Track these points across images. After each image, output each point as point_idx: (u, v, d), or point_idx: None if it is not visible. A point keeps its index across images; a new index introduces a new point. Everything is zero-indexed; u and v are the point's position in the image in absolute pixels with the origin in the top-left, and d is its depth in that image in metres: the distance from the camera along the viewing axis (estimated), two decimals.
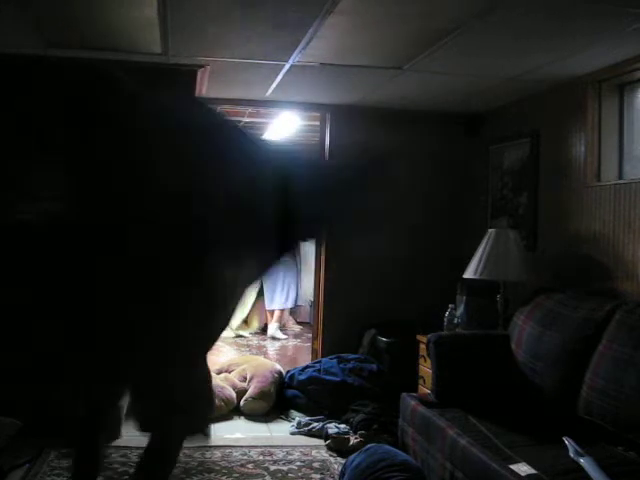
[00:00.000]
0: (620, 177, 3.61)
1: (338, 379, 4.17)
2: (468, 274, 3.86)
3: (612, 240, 3.46)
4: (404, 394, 3.37)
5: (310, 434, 3.79)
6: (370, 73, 3.87)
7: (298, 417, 4.00)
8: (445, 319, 4.12)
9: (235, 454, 3.48)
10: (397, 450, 3.05)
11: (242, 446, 3.59)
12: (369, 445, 3.07)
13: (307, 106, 4.88)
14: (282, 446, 3.57)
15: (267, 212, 2.03)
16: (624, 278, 3.34)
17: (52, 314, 1.69)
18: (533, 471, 2.31)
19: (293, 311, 7.83)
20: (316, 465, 3.38)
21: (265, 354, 6.25)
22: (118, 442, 3.53)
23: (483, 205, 4.81)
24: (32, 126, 1.64)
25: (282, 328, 7.32)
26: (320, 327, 4.92)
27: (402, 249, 4.66)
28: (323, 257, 4.90)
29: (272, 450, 3.52)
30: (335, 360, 4.39)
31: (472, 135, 5.02)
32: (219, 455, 3.46)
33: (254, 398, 4.17)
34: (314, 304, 5.18)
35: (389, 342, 4.37)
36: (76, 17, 3.13)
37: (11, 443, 3.01)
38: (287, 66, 3.74)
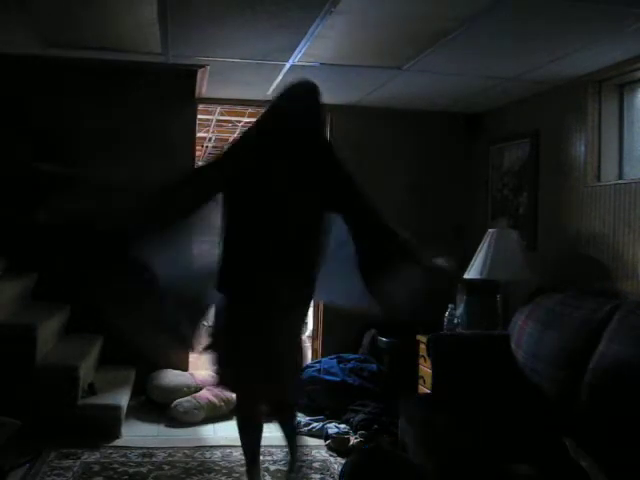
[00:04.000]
0: (620, 177, 3.61)
1: (338, 379, 4.17)
2: (468, 274, 3.86)
3: (612, 240, 3.46)
4: (404, 394, 3.37)
5: (310, 434, 3.78)
6: (370, 73, 3.87)
7: (298, 417, 4.00)
8: (445, 319, 4.12)
9: (235, 454, 3.47)
10: (397, 450, 3.05)
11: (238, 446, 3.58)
12: (368, 445, 3.07)
13: None
14: (282, 446, 3.55)
15: None
16: (624, 278, 3.34)
17: None
18: (533, 471, 2.31)
19: None
20: (316, 465, 3.38)
21: None
22: (118, 442, 3.54)
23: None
24: None
25: None
26: (320, 327, 4.92)
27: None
28: None
29: (272, 450, 3.52)
30: (335, 360, 4.39)
31: (472, 135, 5.02)
32: (219, 455, 3.46)
33: None
34: (314, 304, 5.18)
35: (389, 342, 4.37)
36: (76, 17, 3.13)
37: (11, 443, 3.00)
38: (287, 66, 3.74)
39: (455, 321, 4.11)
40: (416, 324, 4.13)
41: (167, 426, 3.89)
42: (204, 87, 4.37)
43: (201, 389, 4.18)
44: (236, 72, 3.96)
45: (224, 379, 2.85)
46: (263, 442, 3.63)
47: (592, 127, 3.68)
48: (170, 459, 3.37)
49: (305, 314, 2.94)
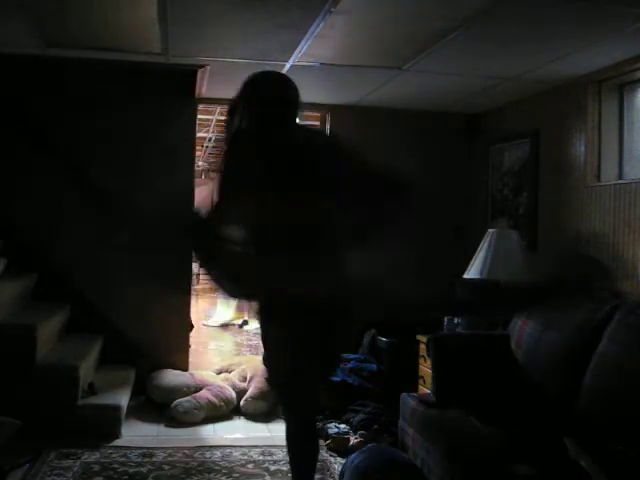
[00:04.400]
0: (620, 177, 3.61)
1: (338, 379, 4.16)
2: (468, 274, 3.86)
3: (612, 240, 3.46)
4: (404, 394, 3.37)
5: None
6: (370, 73, 3.87)
7: None
8: (445, 319, 4.12)
9: (235, 454, 3.48)
10: (397, 450, 3.05)
11: (242, 446, 3.58)
12: (369, 445, 3.07)
13: (307, 106, 4.88)
14: (282, 446, 3.53)
15: None
16: (624, 278, 3.34)
17: None
18: (533, 471, 2.31)
19: None
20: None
21: None
22: (118, 442, 3.54)
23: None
24: None
25: None
26: None
27: (402, 250, 4.66)
28: None
29: (272, 450, 3.52)
30: None
31: (472, 135, 5.02)
32: (219, 455, 3.46)
33: (254, 398, 4.16)
34: None
35: (389, 342, 4.37)
36: (76, 17, 3.13)
37: (11, 443, 3.00)
38: (287, 66, 3.74)
39: (455, 321, 4.10)
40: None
41: (167, 426, 3.89)
42: (204, 87, 4.37)
43: (201, 389, 4.18)
44: (236, 72, 3.95)
45: None
46: (264, 442, 3.66)
47: (592, 127, 3.68)
48: (170, 459, 3.37)
49: None
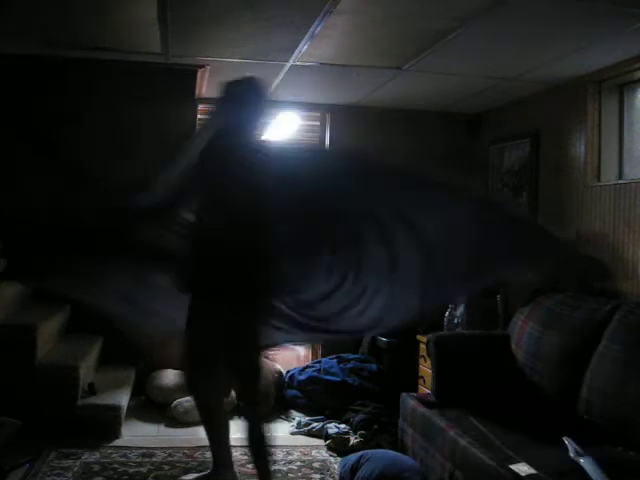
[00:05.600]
0: (620, 177, 3.61)
1: (338, 379, 4.17)
2: None
3: (612, 240, 3.45)
4: (404, 394, 3.37)
5: (310, 434, 3.78)
6: (370, 73, 3.87)
7: (298, 417, 4.00)
8: (445, 319, 4.12)
9: (235, 454, 3.45)
10: (395, 453, 3.05)
11: (242, 446, 3.57)
12: (367, 454, 3.02)
13: (307, 106, 4.88)
14: (282, 446, 3.56)
15: None
16: (624, 278, 3.34)
17: None
18: (533, 471, 2.30)
19: None
20: (316, 465, 3.38)
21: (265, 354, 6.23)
22: (118, 442, 3.54)
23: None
24: None
25: None
26: None
27: None
28: None
29: (272, 450, 3.52)
30: (335, 360, 4.38)
31: (472, 135, 5.02)
32: None
33: None
34: None
35: (389, 342, 4.37)
36: (76, 17, 3.13)
37: (11, 443, 3.00)
38: (287, 66, 3.74)
39: (455, 321, 4.10)
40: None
41: (167, 426, 3.89)
42: (204, 87, 4.37)
43: None
44: (236, 72, 3.95)
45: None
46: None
47: (592, 127, 3.68)
48: (170, 459, 3.37)
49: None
